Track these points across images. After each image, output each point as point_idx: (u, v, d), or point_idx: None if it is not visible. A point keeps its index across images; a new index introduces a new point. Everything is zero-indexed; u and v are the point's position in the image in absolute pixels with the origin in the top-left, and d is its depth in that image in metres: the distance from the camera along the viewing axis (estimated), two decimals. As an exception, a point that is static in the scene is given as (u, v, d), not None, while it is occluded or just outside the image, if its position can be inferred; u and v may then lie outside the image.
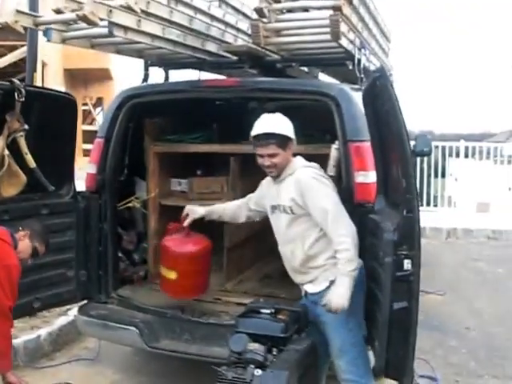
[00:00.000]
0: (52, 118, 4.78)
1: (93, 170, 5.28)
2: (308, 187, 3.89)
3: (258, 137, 3.98)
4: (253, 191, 4.54)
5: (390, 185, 4.01)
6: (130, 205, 5.77)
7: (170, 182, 5.96)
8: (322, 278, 3.95)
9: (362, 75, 5.13)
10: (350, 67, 5.06)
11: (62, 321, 6.16)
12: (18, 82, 4.55)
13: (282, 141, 3.95)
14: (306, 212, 3.92)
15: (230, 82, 5.14)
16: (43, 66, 16.88)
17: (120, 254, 5.69)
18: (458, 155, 15.24)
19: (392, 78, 7.63)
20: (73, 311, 5.98)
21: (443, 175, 15.30)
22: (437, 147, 14.40)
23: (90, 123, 26.48)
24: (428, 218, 11.64)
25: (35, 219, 4.62)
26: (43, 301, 4.89)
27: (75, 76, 21.73)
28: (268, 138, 3.94)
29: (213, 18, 5.60)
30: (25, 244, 4.35)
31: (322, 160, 4.48)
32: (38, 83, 15.74)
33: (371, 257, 3.85)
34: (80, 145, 19.48)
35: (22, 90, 4.51)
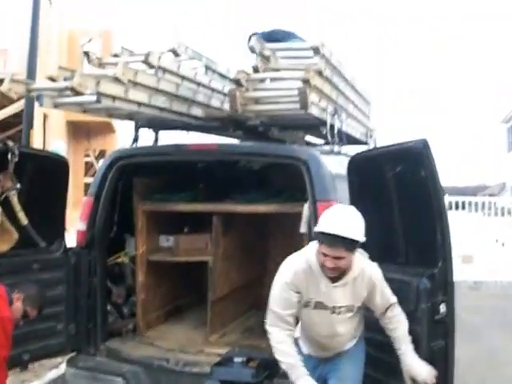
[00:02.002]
0: (44, 178, 5.09)
1: (83, 226, 5.58)
2: (378, 285, 3.93)
3: (325, 235, 3.66)
4: (235, 249, 4.75)
5: (402, 243, 4.31)
6: (119, 260, 6.06)
7: (158, 238, 6.24)
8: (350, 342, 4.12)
9: (336, 139, 5.46)
10: (324, 132, 5.39)
11: (53, 374, 6.33)
12: (11, 143, 4.84)
13: (351, 244, 3.67)
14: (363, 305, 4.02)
15: (210, 147, 5.49)
16: (45, 118, 17.15)
17: (109, 307, 5.93)
18: (454, 208, 15.56)
19: (374, 138, 7.96)
20: (64, 364, 5.99)
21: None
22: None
23: (92, 175, 26.59)
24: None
25: (32, 283, 4.72)
26: (32, 353, 5.09)
27: (78, 128, 22.03)
28: (337, 240, 3.62)
29: (199, 84, 5.92)
30: (16, 307, 4.44)
31: (295, 217, 4.80)
32: (40, 136, 16.26)
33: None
34: (81, 198, 19.71)
35: (16, 152, 4.80)
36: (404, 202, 4.24)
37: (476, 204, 16.56)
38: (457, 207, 15.44)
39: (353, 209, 3.87)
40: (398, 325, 3.96)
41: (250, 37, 7.00)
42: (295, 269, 3.86)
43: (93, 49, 21.52)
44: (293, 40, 6.52)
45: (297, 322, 4.00)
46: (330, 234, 3.61)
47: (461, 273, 13.17)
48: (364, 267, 3.88)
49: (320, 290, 3.84)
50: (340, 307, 3.88)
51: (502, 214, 16.52)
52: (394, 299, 3.96)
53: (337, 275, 3.78)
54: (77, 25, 22.68)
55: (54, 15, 19.08)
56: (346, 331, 4.00)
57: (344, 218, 3.71)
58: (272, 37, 6.08)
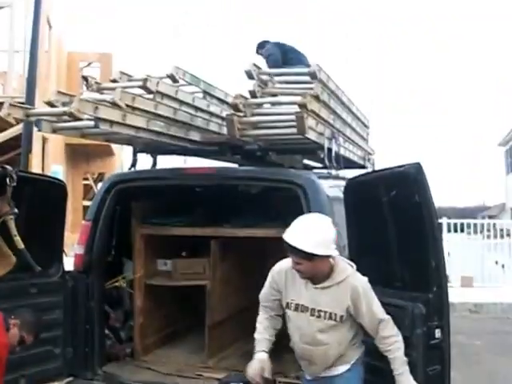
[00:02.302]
0: (42, 202, 5.11)
1: (80, 250, 5.59)
2: (363, 295, 3.91)
3: (284, 241, 3.89)
4: (233, 273, 4.76)
5: (398, 267, 4.32)
6: (116, 284, 6.05)
7: (156, 262, 6.24)
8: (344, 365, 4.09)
9: (334, 163, 5.49)
10: (322, 156, 5.42)
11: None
12: (10, 168, 4.85)
13: (303, 253, 3.82)
14: (351, 318, 3.98)
15: (207, 171, 5.50)
16: (44, 141, 17.20)
17: (107, 332, 5.91)
18: (455, 230, 15.55)
19: (373, 161, 8.01)
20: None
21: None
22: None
23: (91, 198, 26.54)
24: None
25: (29, 310, 4.65)
26: (29, 378, 5.07)
27: (77, 151, 22.07)
28: (291, 248, 3.85)
29: (197, 108, 5.96)
30: (13, 333, 4.40)
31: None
32: (39, 158, 16.30)
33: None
34: (80, 221, 19.69)
35: (14, 176, 4.79)
36: (399, 226, 4.25)
37: (475, 225, 16.54)
38: (455, 230, 15.42)
39: (319, 220, 4.02)
40: (392, 346, 3.92)
41: (261, 44, 7.21)
42: (279, 268, 4.16)
43: (92, 72, 21.75)
44: (299, 66, 6.62)
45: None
46: (285, 241, 3.87)
47: (461, 295, 13.21)
48: (349, 276, 3.95)
49: (301, 291, 4.00)
50: (320, 311, 3.95)
51: (502, 236, 16.51)
52: (383, 315, 3.93)
53: (308, 277, 3.94)
54: (76, 48, 22.81)
55: (54, 39, 19.19)
56: (329, 341, 3.97)
57: (302, 228, 3.90)
58: (285, 55, 6.25)
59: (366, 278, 3.98)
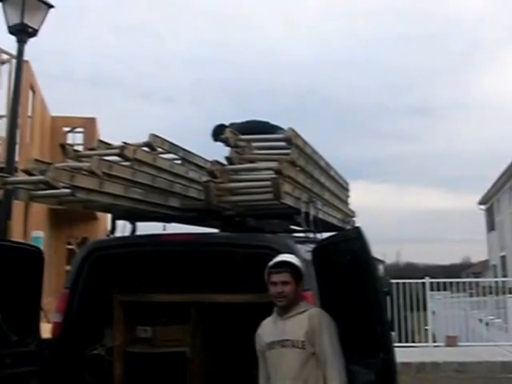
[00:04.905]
0: (18, 270, 5.09)
1: (59, 318, 5.54)
2: (317, 328, 4.19)
3: (273, 266, 4.38)
4: (213, 339, 4.77)
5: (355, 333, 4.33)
6: (95, 352, 5.97)
7: (136, 329, 6.17)
8: None
9: (312, 227, 5.52)
10: (299, 220, 5.45)
11: None
12: None
13: (294, 272, 4.35)
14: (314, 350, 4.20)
15: (185, 237, 5.52)
16: (27, 205, 17.20)
17: (86, 401, 5.82)
18: (438, 289, 15.58)
19: (353, 223, 8.04)
20: None
21: (425, 309, 15.52)
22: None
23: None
24: (399, 352, 11.82)
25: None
26: None
27: (60, 215, 22.01)
28: (282, 265, 4.36)
29: (176, 175, 5.99)
30: None
31: (271, 307, 4.79)
32: (20, 224, 16.23)
33: None
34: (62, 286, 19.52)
35: None
36: (348, 291, 4.36)
37: (458, 284, 16.65)
38: (438, 289, 15.46)
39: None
40: None
41: (218, 128, 7.08)
42: (257, 333, 4.57)
43: (77, 137, 21.82)
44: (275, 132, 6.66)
45: None
46: (277, 262, 4.39)
47: (446, 355, 13.17)
48: (312, 308, 4.35)
49: (272, 327, 4.40)
50: (287, 340, 4.25)
51: (484, 294, 16.59)
52: (330, 358, 4.11)
53: (285, 304, 4.33)
54: (59, 113, 22.96)
55: (37, 104, 19.34)
56: (308, 375, 4.16)
57: (286, 254, 4.54)
58: (249, 130, 6.22)
59: (329, 318, 4.23)
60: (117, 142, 5.53)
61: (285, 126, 5.72)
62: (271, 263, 4.41)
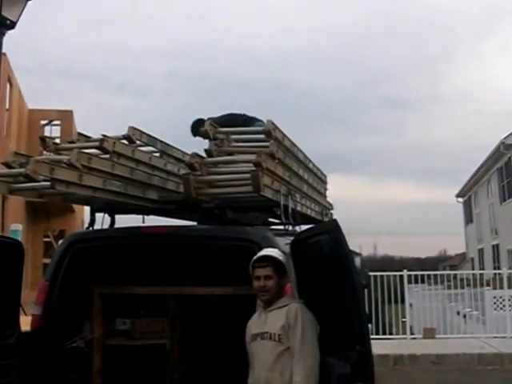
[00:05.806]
0: None
1: (38, 311, 5.53)
2: (294, 319, 4.25)
3: (257, 260, 4.46)
4: (191, 331, 4.76)
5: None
6: (74, 345, 5.96)
7: (115, 321, 6.18)
8: None
9: (291, 219, 5.56)
10: (278, 213, 5.48)
11: None
12: None
13: (277, 266, 4.42)
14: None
15: (165, 230, 5.52)
16: (4, 198, 17.12)
17: (65, 393, 5.81)
18: (415, 281, 15.68)
19: (331, 215, 8.10)
20: None
21: (402, 301, 15.59)
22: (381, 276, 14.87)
23: (51, 256, 26.28)
24: (377, 344, 11.90)
25: None
26: None
27: (37, 208, 21.95)
28: (265, 260, 4.43)
29: (154, 167, 6.01)
30: None
31: (252, 299, 4.83)
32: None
33: None
34: (40, 278, 19.42)
35: None
36: (326, 283, 4.41)
37: (435, 276, 16.79)
38: (416, 281, 15.57)
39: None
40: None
41: (198, 123, 7.07)
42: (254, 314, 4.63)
43: (53, 130, 21.71)
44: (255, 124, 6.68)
45: None
46: (260, 256, 4.46)
47: (423, 347, 13.27)
48: (292, 303, 4.39)
49: (257, 319, 4.50)
50: (265, 332, 4.34)
51: (462, 287, 16.74)
52: (298, 353, 4.17)
53: (268, 298, 4.41)
54: (36, 106, 22.83)
55: (15, 97, 19.20)
56: (268, 365, 4.25)
57: (270, 249, 4.61)
58: (227, 123, 6.22)
59: (310, 314, 4.30)
60: (94, 135, 5.54)
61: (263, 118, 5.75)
62: (255, 257, 4.46)
